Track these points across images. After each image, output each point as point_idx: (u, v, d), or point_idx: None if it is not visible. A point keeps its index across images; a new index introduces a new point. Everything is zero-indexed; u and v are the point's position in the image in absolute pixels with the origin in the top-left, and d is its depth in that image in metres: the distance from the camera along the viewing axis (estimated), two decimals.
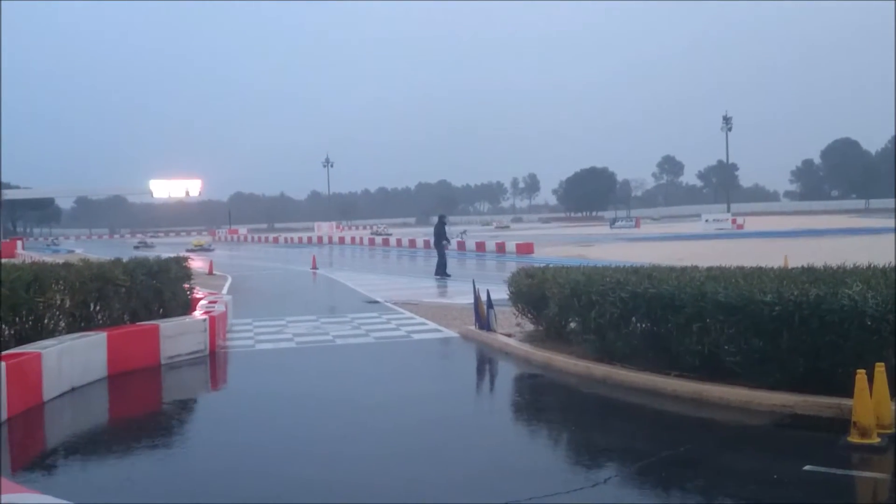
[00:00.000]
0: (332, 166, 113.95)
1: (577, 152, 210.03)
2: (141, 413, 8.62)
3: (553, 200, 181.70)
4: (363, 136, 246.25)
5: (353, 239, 63.55)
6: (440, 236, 25.19)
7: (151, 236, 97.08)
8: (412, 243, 48.92)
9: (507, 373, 9.95)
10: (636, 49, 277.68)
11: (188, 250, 47.29)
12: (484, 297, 12.09)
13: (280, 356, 11.16)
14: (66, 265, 11.26)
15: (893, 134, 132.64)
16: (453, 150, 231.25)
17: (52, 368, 8.60)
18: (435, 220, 27.33)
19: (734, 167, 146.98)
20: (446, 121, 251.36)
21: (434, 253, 26.29)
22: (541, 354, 10.07)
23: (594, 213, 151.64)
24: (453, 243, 38.54)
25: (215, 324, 11.53)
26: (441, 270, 24.48)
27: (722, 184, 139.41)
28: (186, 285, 13.20)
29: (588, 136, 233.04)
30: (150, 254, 28.23)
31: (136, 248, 61.41)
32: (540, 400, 8.51)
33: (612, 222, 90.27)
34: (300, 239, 71.14)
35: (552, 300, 10.44)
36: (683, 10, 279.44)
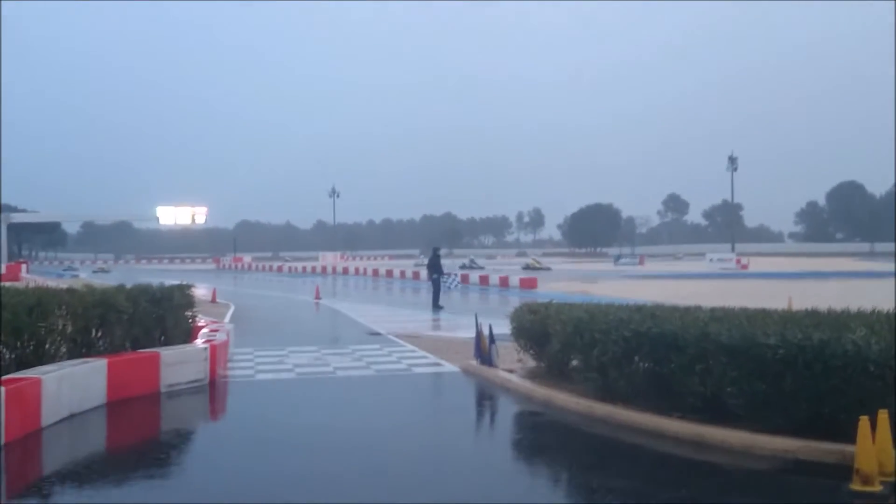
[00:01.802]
0: (338, 196, 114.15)
1: (582, 188, 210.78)
2: (138, 441, 8.56)
3: (557, 235, 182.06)
4: (369, 165, 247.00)
5: (356, 270, 63.56)
6: (433, 268, 25.23)
7: (157, 261, 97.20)
8: (416, 275, 48.94)
9: (507, 409, 9.89)
10: (643, 90, 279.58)
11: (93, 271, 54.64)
12: (486, 332, 12.06)
13: (280, 387, 11.11)
14: (70, 290, 11.27)
15: (895, 180, 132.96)
16: (459, 183, 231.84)
17: (51, 394, 8.56)
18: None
19: (739, 207, 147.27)
20: (453, 154, 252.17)
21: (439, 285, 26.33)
22: (542, 392, 10.02)
23: (598, 249, 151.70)
24: (456, 278, 38.62)
25: (216, 353, 11.50)
26: (435, 302, 24.45)
27: (727, 223, 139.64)
28: (189, 313, 13.17)
29: (594, 172, 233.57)
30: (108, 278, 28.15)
31: (95, 272, 62.81)
32: (540, 438, 8.44)
33: (616, 259, 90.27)
34: (304, 268, 71.29)
35: (555, 337, 10.40)
36: (689, 53, 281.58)
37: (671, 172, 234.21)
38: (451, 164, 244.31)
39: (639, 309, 9.80)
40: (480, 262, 77.79)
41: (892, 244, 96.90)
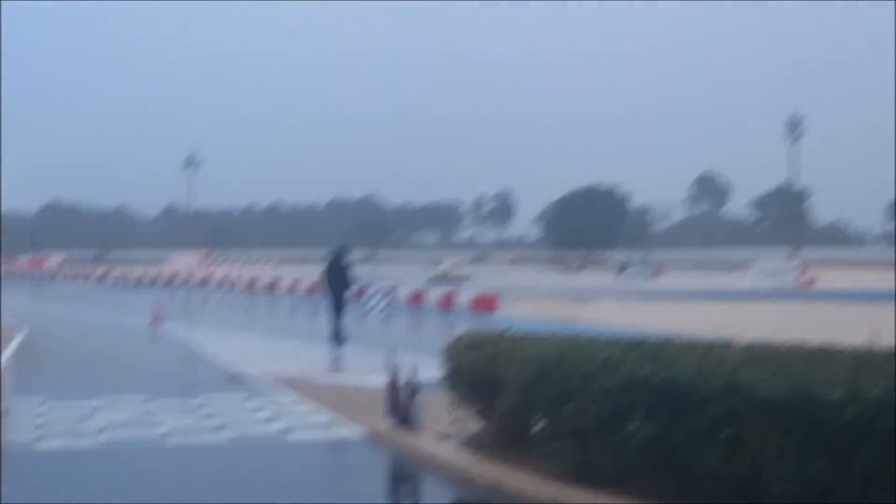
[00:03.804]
0: (196, 169, 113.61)
1: (572, 166, 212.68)
2: None
3: (534, 232, 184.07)
4: (249, 132, 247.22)
5: (224, 280, 63.25)
6: (336, 278, 24.72)
7: None
8: (313, 290, 48.77)
9: (435, 501, 9.94)
10: (665, 26, 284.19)
11: None
12: (404, 377, 11.98)
13: (70, 464, 10.86)
14: None
15: None
16: (388, 158, 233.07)
17: None
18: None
19: (803, 195, 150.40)
20: (378, 121, 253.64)
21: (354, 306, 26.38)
22: (488, 472, 9.95)
23: (595, 254, 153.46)
24: (381, 297, 38.53)
25: None
26: (336, 330, 23.86)
27: (785, 218, 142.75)
28: None
29: (589, 144, 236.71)
30: None
31: None
32: None
33: (621, 268, 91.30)
34: (143, 277, 70.54)
35: (509, 386, 10.28)
36: None
37: (703, 146, 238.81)
38: (376, 134, 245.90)
39: (637, 345, 9.72)
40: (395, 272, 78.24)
41: None
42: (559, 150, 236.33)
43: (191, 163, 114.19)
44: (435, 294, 42.18)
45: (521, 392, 10.04)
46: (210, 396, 15.33)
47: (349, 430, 12.66)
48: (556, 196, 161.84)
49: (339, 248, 26.39)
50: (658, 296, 51.88)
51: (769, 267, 75.29)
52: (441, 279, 63.18)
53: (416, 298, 42.10)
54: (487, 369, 11.04)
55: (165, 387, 16.58)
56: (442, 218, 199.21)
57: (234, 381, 17.56)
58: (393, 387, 12.34)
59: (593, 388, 8.83)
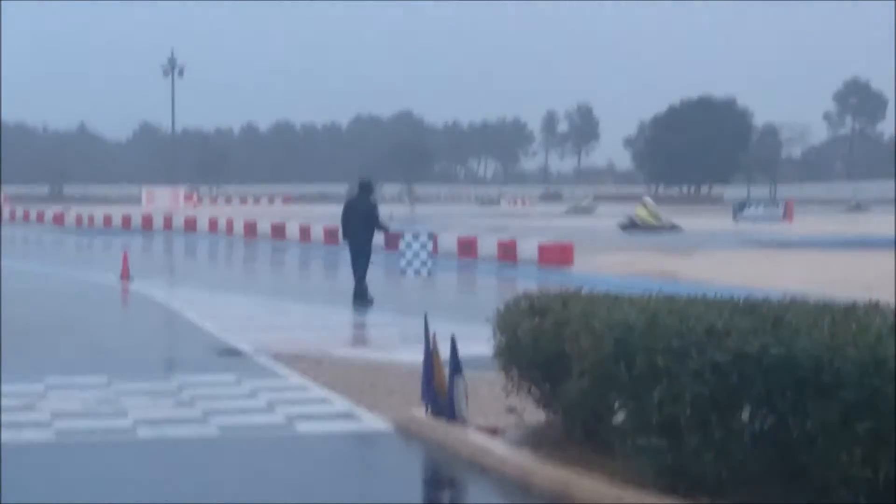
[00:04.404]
0: (181, 75, 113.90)
1: (669, 77, 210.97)
2: None
3: (624, 160, 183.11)
4: (244, 31, 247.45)
5: (215, 223, 63.50)
6: (360, 222, 24.84)
7: None
8: (330, 237, 48.96)
9: None
10: None
11: None
12: (445, 353, 11.96)
13: (10, 464, 10.78)
14: None
15: None
16: (425, 60, 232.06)
17: None
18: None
19: None
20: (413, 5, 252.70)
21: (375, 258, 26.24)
22: (553, 475, 9.96)
23: (705, 189, 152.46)
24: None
25: None
26: (358, 290, 24.67)
27: None
28: None
29: (693, 49, 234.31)
30: None
31: None
32: None
33: (739, 209, 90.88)
34: (110, 218, 71.06)
35: (578, 362, 10.25)
36: None
37: (851, 45, 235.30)
38: (412, 34, 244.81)
39: (751, 310, 9.63)
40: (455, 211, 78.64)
41: None
42: (652, 56, 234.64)
43: (172, 69, 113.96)
44: (490, 243, 42.14)
45: (597, 371, 9.98)
46: (193, 377, 15.37)
47: (373, 421, 12.66)
48: (653, 111, 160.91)
49: (363, 183, 26.39)
50: (786, 244, 51.62)
51: None
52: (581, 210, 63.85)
53: (467, 248, 42.13)
54: (552, 341, 11.00)
55: (136, 364, 16.63)
56: (501, 142, 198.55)
57: (225, 356, 17.64)
58: (430, 365, 12.27)
59: (691, 366, 8.75)
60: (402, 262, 29.32)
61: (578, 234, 51.60)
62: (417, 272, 29.88)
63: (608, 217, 79.97)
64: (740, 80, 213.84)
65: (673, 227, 64.83)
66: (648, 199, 76.63)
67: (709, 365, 8.65)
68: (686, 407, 8.83)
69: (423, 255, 31.56)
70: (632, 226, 65.00)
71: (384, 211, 30.39)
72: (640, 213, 68.56)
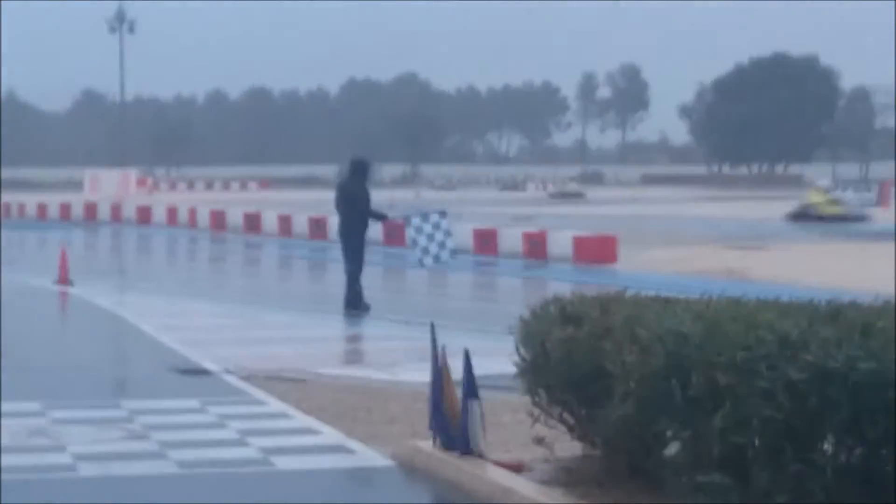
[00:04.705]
0: (131, 31, 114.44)
1: (740, 29, 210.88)
2: None
3: (680, 134, 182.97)
4: None
5: (174, 213, 63.54)
6: (353, 208, 24.94)
7: None
8: (317, 229, 49.12)
9: None
10: None
11: None
12: (457, 371, 11.94)
13: None
14: None
15: None
16: (437, 12, 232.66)
17: None
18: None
19: None
20: None
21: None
22: None
23: (780, 168, 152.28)
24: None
25: None
26: (351, 294, 24.77)
27: None
28: None
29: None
30: None
31: None
32: None
33: (826, 192, 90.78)
34: (43, 209, 71.13)
35: (621, 382, 10.24)
36: None
37: None
38: None
39: (833, 315, 9.62)
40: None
41: None
42: (714, 4, 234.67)
43: (121, 24, 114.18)
44: (514, 235, 42.07)
45: (644, 392, 9.95)
46: (146, 402, 15.33)
47: (369, 455, 12.62)
48: (712, 76, 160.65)
49: (354, 162, 26.42)
50: (880, 236, 51.46)
51: None
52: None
53: (485, 242, 42.11)
54: (589, 356, 10.95)
55: (76, 387, 16.55)
56: (526, 112, 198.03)
57: (187, 377, 17.51)
58: (439, 386, 12.20)
59: (760, 385, 8.71)
60: (418, 252, 27.79)
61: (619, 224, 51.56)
62: (437, 259, 28.17)
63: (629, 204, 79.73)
64: (823, 34, 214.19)
65: (860, 217, 64.80)
66: (820, 183, 76.81)
67: (782, 383, 8.60)
68: (754, 435, 8.83)
69: (441, 236, 29.44)
70: (804, 215, 64.74)
71: (382, 198, 30.26)
72: (814, 199, 68.51)
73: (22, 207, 72.15)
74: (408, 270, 34.54)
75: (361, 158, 27.40)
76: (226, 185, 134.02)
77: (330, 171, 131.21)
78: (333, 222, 37.54)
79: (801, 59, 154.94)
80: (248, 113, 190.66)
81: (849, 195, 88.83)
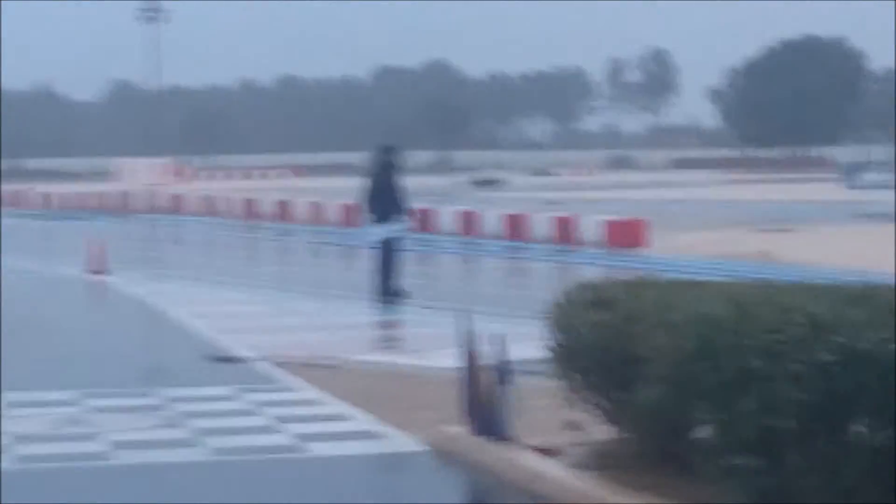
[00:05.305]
0: (164, 23, 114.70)
1: (771, 11, 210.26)
2: None
3: (711, 118, 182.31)
4: None
5: (208, 203, 63.63)
6: (383, 196, 24.89)
7: None
8: (350, 216, 49.05)
9: None
10: None
11: None
12: (489, 355, 11.98)
13: None
14: None
15: None
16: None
17: None
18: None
19: None
20: None
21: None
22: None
23: (811, 151, 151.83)
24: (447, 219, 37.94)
25: None
26: (386, 287, 24.59)
27: None
28: None
29: None
30: None
31: None
32: None
33: (852, 174, 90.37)
34: (78, 199, 71.18)
35: (653, 365, 10.26)
36: None
37: None
38: None
39: (863, 297, 9.60)
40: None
41: None
42: None
43: (153, 14, 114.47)
44: (545, 220, 42.03)
45: (676, 376, 9.96)
46: (180, 390, 15.33)
47: (403, 440, 12.65)
48: (743, 58, 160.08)
49: (384, 149, 26.33)
50: None
51: None
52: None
53: (516, 227, 42.08)
54: (622, 340, 10.98)
55: (111, 376, 16.56)
56: (556, 98, 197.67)
57: (220, 364, 17.50)
58: (472, 372, 12.26)
59: (791, 368, 8.71)
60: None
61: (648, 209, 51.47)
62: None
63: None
64: (852, 16, 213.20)
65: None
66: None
67: (814, 366, 8.61)
68: (786, 418, 8.84)
69: None
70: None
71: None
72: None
73: (57, 198, 72.19)
74: (439, 256, 34.44)
75: (390, 143, 27.32)
76: (263, 174, 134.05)
77: (360, 158, 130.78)
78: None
79: (830, 41, 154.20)
80: (281, 101, 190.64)
81: (879, 176, 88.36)
